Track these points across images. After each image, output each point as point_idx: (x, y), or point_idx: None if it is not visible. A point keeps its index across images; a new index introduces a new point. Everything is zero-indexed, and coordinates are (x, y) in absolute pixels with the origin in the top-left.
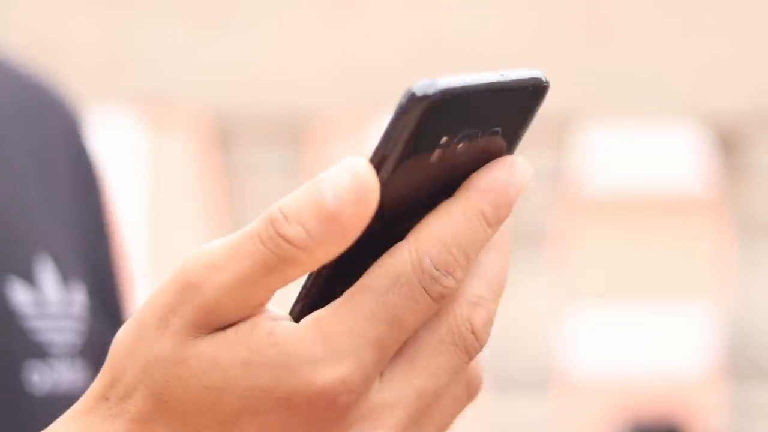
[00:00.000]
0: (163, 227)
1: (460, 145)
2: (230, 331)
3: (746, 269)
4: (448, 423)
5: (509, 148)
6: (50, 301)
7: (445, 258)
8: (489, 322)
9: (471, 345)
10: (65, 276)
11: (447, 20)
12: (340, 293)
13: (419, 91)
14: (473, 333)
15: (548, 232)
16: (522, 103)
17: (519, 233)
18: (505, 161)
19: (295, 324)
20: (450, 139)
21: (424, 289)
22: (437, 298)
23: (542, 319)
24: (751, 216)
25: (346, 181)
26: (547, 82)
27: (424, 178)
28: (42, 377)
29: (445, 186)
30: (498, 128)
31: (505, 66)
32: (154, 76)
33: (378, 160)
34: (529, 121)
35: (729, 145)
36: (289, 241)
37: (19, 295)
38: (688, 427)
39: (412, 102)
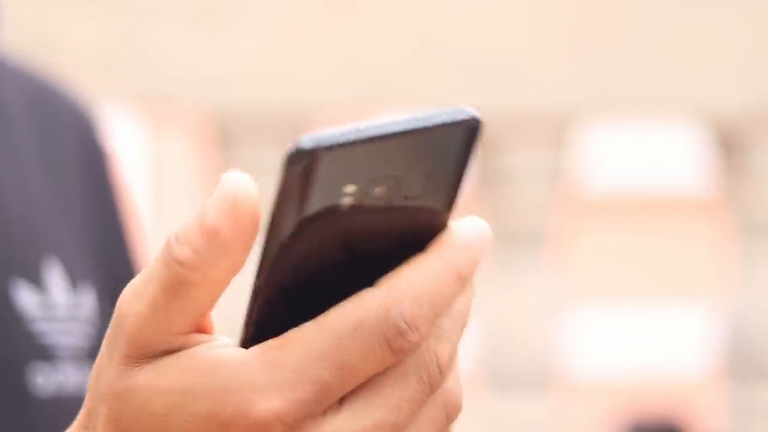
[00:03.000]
0: (163, 225)
1: (378, 190)
2: (171, 359)
3: (746, 269)
4: None
5: (452, 186)
6: (58, 304)
7: (414, 312)
8: (453, 358)
9: (435, 378)
10: (74, 279)
11: (447, 20)
12: (296, 325)
13: (304, 146)
14: (438, 366)
15: (548, 232)
16: (455, 141)
17: (519, 233)
18: (472, 220)
19: (238, 351)
20: (360, 187)
21: (386, 340)
22: (397, 351)
23: (542, 319)
24: (752, 216)
25: (220, 195)
26: (477, 120)
27: (371, 222)
28: (47, 379)
29: (405, 230)
30: (428, 168)
31: (505, 66)
32: (154, 76)
33: (273, 212)
34: (468, 159)
35: (729, 145)
36: (180, 263)
37: (25, 297)
38: (688, 427)
39: (296, 156)
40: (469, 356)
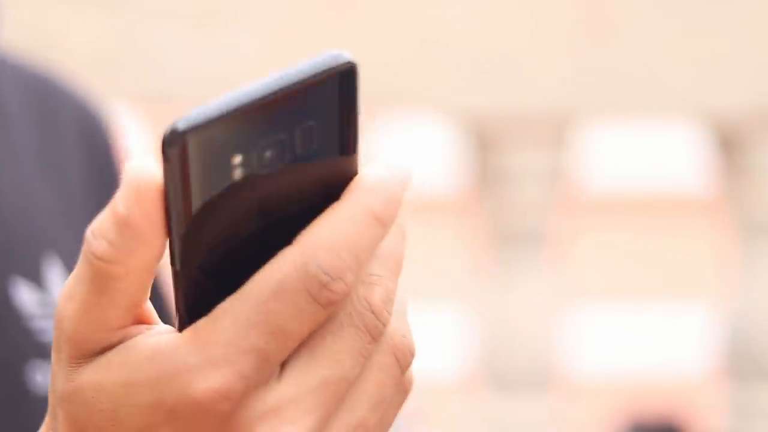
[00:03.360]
0: None
1: (267, 154)
2: (111, 354)
3: (746, 269)
4: (380, 410)
5: (345, 132)
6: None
7: (333, 261)
8: (388, 300)
9: (372, 324)
10: None
11: (447, 20)
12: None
13: (177, 128)
14: (372, 312)
15: (548, 232)
16: (331, 88)
17: (519, 233)
18: (383, 162)
19: (172, 336)
20: (247, 156)
21: (311, 295)
22: (326, 304)
23: (542, 319)
24: (752, 216)
25: (125, 184)
26: (349, 63)
27: (273, 187)
28: (45, 377)
29: (313, 187)
30: (312, 122)
31: (505, 66)
32: (154, 75)
33: (172, 195)
34: (351, 102)
35: (729, 145)
36: (98, 257)
37: (24, 295)
38: (688, 427)
39: (171, 139)
40: (469, 356)
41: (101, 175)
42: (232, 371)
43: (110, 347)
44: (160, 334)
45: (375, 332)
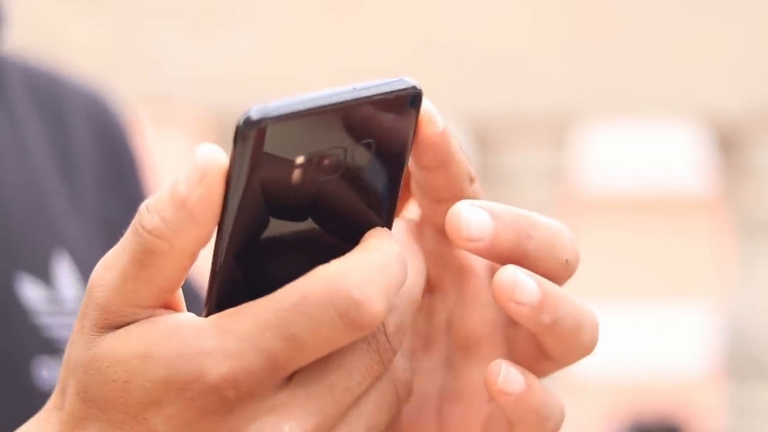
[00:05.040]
0: None
1: (327, 161)
2: (132, 327)
3: (746, 269)
4: (370, 429)
5: (398, 155)
6: (65, 298)
7: (367, 285)
8: (400, 329)
9: (384, 346)
10: (84, 273)
11: (448, 21)
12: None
13: (252, 116)
14: (386, 335)
15: None
16: (397, 110)
17: None
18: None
19: (195, 319)
20: (309, 158)
21: (337, 312)
22: (351, 325)
23: None
24: (751, 216)
25: (192, 166)
26: (417, 89)
27: (324, 194)
28: (51, 373)
29: (358, 201)
30: (373, 139)
31: (506, 66)
32: (154, 76)
33: (228, 179)
34: (410, 128)
35: (729, 145)
36: (148, 231)
37: (31, 291)
38: (688, 427)
39: (245, 127)
40: None
41: (116, 167)
42: (242, 365)
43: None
44: (185, 317)
45: (385, 355)
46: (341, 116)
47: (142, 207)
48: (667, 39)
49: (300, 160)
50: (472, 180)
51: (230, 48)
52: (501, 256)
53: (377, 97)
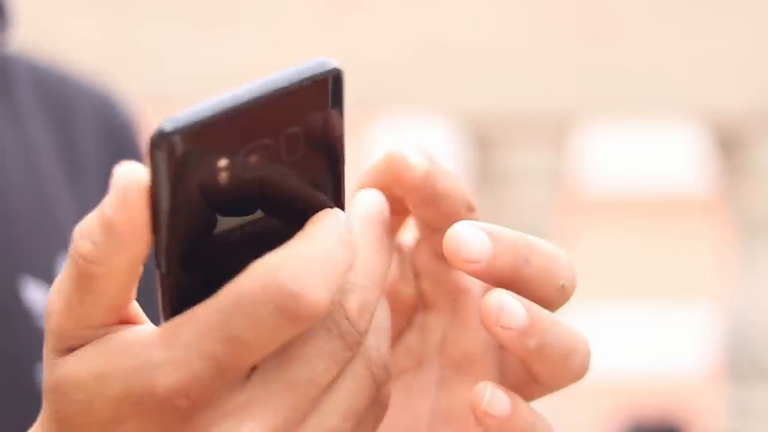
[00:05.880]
0: None
1: (253, 159)
2: (88, 347)
3: (746, 269)
4: (352, 421)
5: (330, 139)
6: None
7: (304, 274)
8: (365, 309)
9: (346, 330)
10: None
11: (448, 20)
12: None
13: (164, 129)
14: (347, 318)
15: (548, 232)
16: (318, 95)
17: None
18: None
19: (147, 331)
20: (233, 160)
21: (276, 307)
22: (292, 317)
23: None
24: (751, 216)
25: (113, 188)
26: (337, 70)
27: (259, 192)
28: None
29: (298, 193)
30: (298, 128)
31: (506, 66)
32: (154, 75)
33: (152, 196)
34: (337, 110)
35: (729, 145)
36: (83, 257)
37: (34, 294)
38: (688, 427)
39: (159, 140)
40: None
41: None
42: (188, 372)
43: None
44: (138, 330)
45: (350, 339)
46: (258, 112)
47: (75, 233)
48: (667, 39)
49: (223, 162)
50: (470, 208)
51: (230, 48)
52: (498, 279)
53: (293, 86)
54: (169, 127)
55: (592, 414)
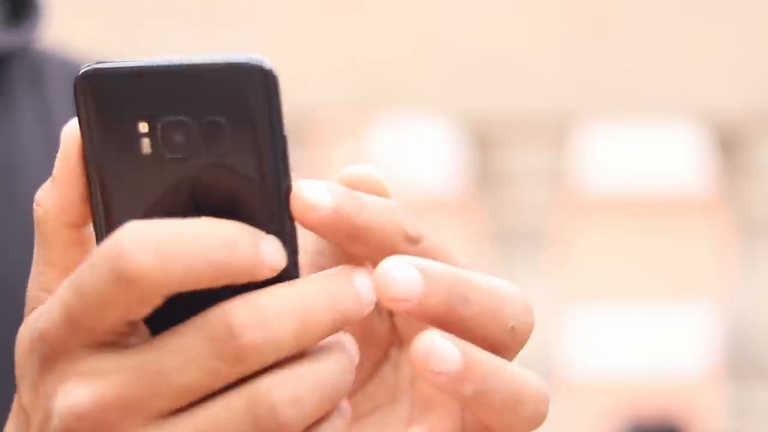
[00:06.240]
0: None
1: (177, 139)
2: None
3: (746, 269)
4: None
5: (262, 142)
6: None
7: (141, 241)
8: (260, 328)
9: (224, 342)
10: None
11: (447, 20)
12: None
13: (88, 69)
14: (228, 326)
15: (548, 232)
16: (245, 88)
17: (519, 233)
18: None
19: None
20: (152, 128)
21: (106, 265)
22: (117, 275)
23: (542, 319)
24: (751, 216)
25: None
26: (264, 68)
27: (190, 182)
28: None
29: (225, 189)
30: (220, 118)
31: (506, 66)
32: None
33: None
34: (266, 113)
35: (729, 145)
36: (36, 203)
37: None
38: (688, 427)
39: (82, 79)
40: None
41: None
42: (49, 318)
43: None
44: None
45: (227, 350)
46: (176, 81)
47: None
48: (667, 39)
49: (143, 127)
50: (411, 240)
51: (230, 48)
52: (432, 319)
53: (212, 68)
54: (89, 69)
55: (592, 414)
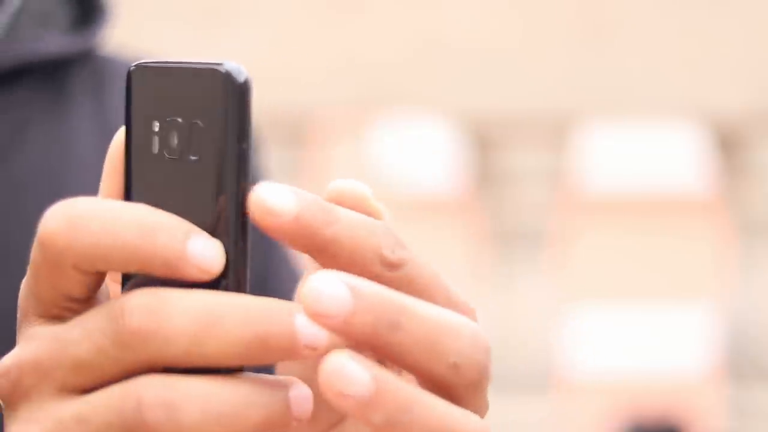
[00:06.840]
0: None
1: (175, 141)
2: None
3: (746, 269)
4: (79, 422)
5: (224, 147)
6: None
7: (62, 208)
8: (149, 312)
9: (119, 324)
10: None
11: (447, 20)
12: None
13: (143, 63)
14: (123, 312)
15: (548, 232)
16: (215, 93)
17: (519, 233)
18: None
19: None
20: (161, 126)
21: (39, 236)
22: (39, 241)
23: (542, 319)
24: (751, 216)
25: None
26: (230, 76)
27: (175, 184)
28: None
29: (196, 187)
30: (197, 121)
31: (506, 66)
32: None
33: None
34: (232, 119)
35: (729, 145)
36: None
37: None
38: (688, 427)
39: (137, 70)
40: None
41: None
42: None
43: None
44: None
45: (115, 329)
46: (182, 85)
47: None
48: (666, 39)
49: (155, 126)
50: (390, 265)
51: (230, 48)
52: (360, 342)
53: (194, 72)
54: (132, 68)
55: (591, 414)
